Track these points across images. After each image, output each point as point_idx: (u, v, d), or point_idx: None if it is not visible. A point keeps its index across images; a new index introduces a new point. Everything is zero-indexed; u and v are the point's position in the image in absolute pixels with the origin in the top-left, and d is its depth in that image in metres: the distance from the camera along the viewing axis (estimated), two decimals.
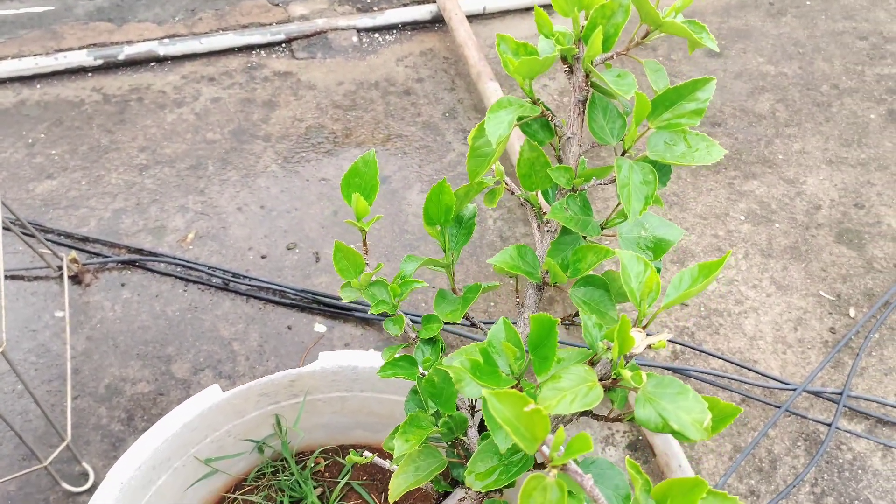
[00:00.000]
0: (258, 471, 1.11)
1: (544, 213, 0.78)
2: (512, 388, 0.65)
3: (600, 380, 0.64)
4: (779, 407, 1.62)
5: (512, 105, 0.71)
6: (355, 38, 2.39)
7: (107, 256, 1.83)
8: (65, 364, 1.61)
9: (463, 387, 0.66)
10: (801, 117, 2.29)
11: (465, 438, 0.76)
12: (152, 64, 2.27)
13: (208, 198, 1.98)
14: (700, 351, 1.73)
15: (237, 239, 1.90)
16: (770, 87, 2.38)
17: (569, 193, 0.74)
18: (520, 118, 0.72)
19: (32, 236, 1.78)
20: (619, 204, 0.78)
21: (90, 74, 2.23)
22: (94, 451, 1.55)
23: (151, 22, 2.38)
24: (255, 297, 1.79)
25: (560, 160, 0.76)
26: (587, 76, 0.71)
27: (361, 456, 0.86)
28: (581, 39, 0.70)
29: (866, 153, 2.18)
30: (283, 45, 2.36)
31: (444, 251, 0.82)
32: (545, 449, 0.47)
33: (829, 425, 1.61)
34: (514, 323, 0.82)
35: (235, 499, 1.09)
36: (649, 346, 0.61)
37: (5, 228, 1.84)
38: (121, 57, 2.23)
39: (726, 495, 0.55)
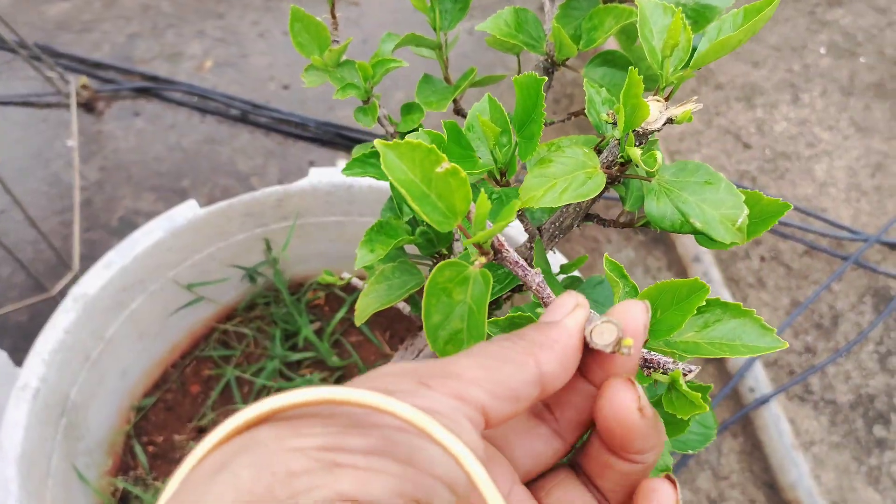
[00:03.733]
0: (250, 301, 1.01)
1: None
2: (493, 178, 0.51)
3: (605, 167, 0.49)
4: (846, 259, 1.45)
5: None
6: None
7: (120, 83, 1.71)
8: (75, 196, 1.53)
9: None
10: None
11: (450, 253, 0.63)
12: None
13: (228, 23, 1.82)
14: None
15: (258, 68, 1.76)
16: None
17: None
18: None
19: (39, 59, 1.67)
20: None
21: None
22: None
23: None
24: (276, 130, 1.66)
25: None
26: None
27: (340, 278, 0.74)
28: None
29: None
30: None
31: (435, 30, 0.66)
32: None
33: None
34: None
35: (225, 329, 1.00)
36: (670, 121, 0.45)
37: (11, 51, 1.73)
38: None
39: (740, 307, 0.41)
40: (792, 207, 0.46)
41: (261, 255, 0.98)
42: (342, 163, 1.64)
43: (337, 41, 0.65)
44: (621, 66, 0.59)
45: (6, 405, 0.78)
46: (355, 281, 0.71)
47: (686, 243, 1.48)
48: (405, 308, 0.69)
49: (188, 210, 0.88)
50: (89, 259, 1.51)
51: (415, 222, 0.62)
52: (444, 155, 0.32)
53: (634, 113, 0.44)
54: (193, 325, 0.99)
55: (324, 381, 0.96)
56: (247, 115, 1.68)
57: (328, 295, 1.03)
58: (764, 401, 1.28)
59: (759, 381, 1.31)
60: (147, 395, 0.96)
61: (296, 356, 0.97)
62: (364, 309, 0.61)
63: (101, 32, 1.80)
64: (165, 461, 0.91)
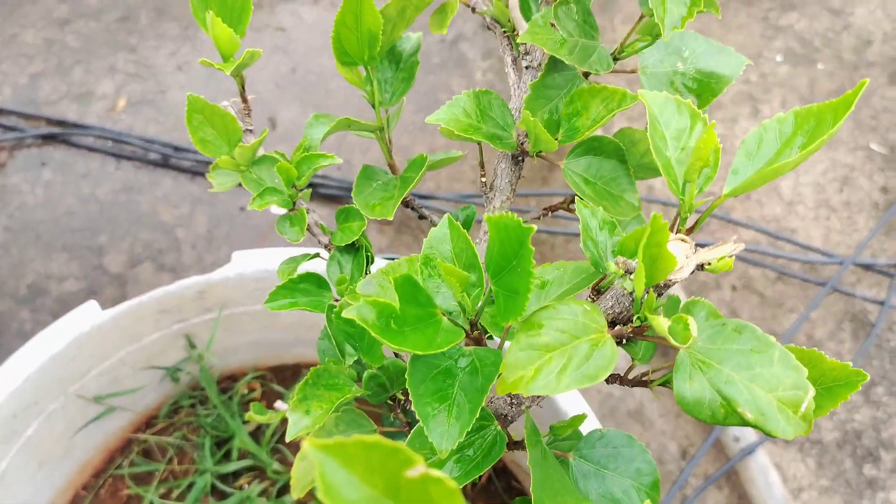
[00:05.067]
0: (173, 404, 0.87)
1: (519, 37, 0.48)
2: (468, 343, 0.39)
3: (612, 323, 0.37)
4: (822, 284, 1.37)
5: None
6: None
7: (23, 130, 1.54)
8: None
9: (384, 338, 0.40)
10: None
11: (404, 398, 0.51)
12: None
13: (142, 56, 1.66)
14: (727, 220, 1.46)
15: (178, 105, 1.60)
16: None
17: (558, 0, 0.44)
18: None
19: None
20: (641, 18, 0.48)
21: None
22: None
23: None
24: (202, 174, 1.51)
25: None
26: None
27: (272, 409, 0.61)
28: None
29: None
30: None
31: (374, 106, 0.53)
32: None
33: (882, 304, 1.36)
34: (479, 222, 0.55)
35: (145, 440, 0.86)
36: (701, 267, 0.34)
37: None
38: None
39: None
40: (868, 378, 0.34)
41: (182, 351, 0.84)
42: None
43: (250, 130, 0.52)
44: (609, 154, 0.47)
45: None
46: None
47: None
48: None
49: (89, 314, 0.74)
50: None
51: (361, 364, 0.49)
52: (416, 455, 0.20)
53: (656, 265, 0.32)
54: (107, 438, 0.84)
55: (264, 493, 0.82)
56: (168, 159, 1.52)
57: (266, 391, 0.89)
58: (750, 451, 1.19)
59: (744, 428, 1.21)
60: None
61: (231, 466, 0.83)
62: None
63: (0, 73, 1.62)
64: None
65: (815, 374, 0.35)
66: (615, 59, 0.47)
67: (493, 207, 0.51)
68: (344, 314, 0.32)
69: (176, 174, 1.52)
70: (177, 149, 1.53)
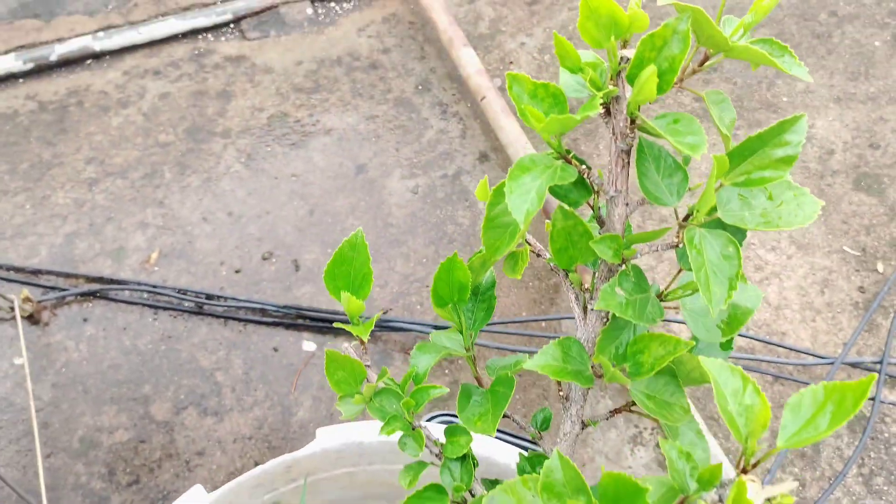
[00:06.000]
0: None
1: (586, 290, 0.62)
2: None
3: None
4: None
5: (537, 166, 0.54)
6: (310, 10, 2.17)
7: (64, 289, 1.65)
8: (32, 419, 1.45)
9: None
10: (801, 52, 2.11)
11: None
12: (89, 61, 2.05)
13: (169, 209, 1.79)
14: None
15: (206, 253, 1.72)
16: (764, 20, 2.20)
17: (619, 270, 0.58)
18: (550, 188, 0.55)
19: None
20: (679, 271, 0.62)
21: (21, 81, 2.01)
22: None
23: (82, 13, 2.14)
24: (234, 319, 1.62)
25: (600, 221, 0.60)
26: (632, 121, 0.54)
27: None
28: (622, 76, 0.53)
29: (875, 86, 2.02)
30: (232, 25, 2.14)
31: (462, 333, 0.66)
32: None
33: (873, 399, 1.49)
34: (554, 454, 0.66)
35: None
36: (768, 501, 0.46)
37: None
38: (53, 58, 2.00)
39: None
40: None
41: None
42: (308, 344, 1.61)
43: (368, 365, 0.64)
44: (664, 372, 0.60)
45: None
46: None
47: None
48: None
49: (195, 498, 0.84)
50: (56, 490, 1.42)
51: None
52: None
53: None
54: None
55: None
56: (202, 307, 1.64)
57: None
58: None
59: None
60: None
61: None
62: None
63: (37, 235, 1.73)
64: None
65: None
66: (662, 299, 0.61)
67: (570, 415, 0.64)
68: None
69: (210, 320, 1.63)
70: (209, 296, 1.64)
